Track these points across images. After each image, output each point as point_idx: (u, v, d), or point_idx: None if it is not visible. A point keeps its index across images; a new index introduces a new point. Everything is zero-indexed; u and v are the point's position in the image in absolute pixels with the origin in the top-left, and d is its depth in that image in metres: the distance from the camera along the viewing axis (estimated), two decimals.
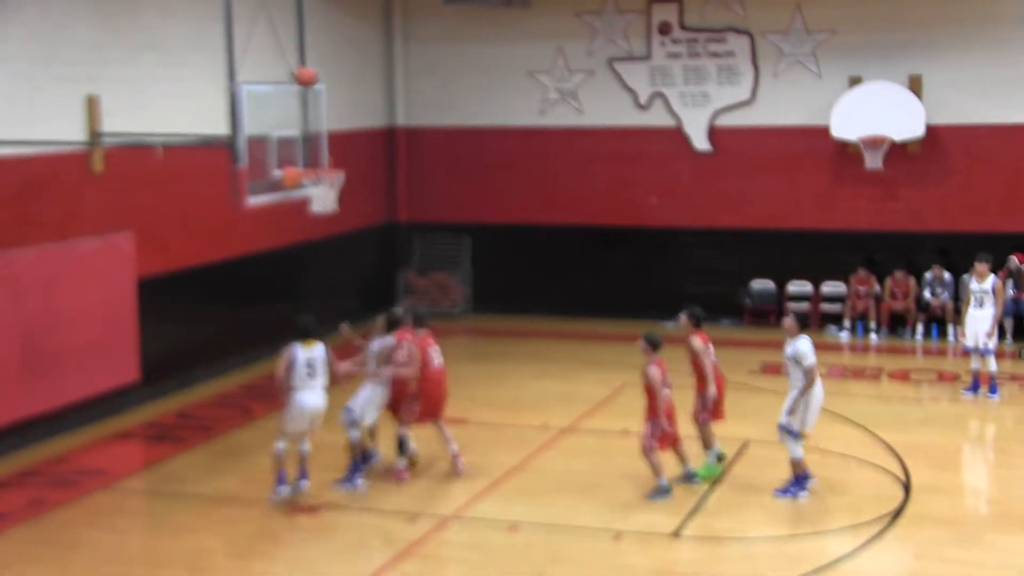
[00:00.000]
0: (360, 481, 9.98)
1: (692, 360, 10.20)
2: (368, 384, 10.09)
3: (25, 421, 11.36)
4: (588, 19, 17.27)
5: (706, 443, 10.38)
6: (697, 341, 10.12)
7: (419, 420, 10.32)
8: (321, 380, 9.69)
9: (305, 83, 10.62)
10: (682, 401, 10.13)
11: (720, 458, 10.43)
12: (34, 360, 11.38)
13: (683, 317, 10.29)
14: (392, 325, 10.20)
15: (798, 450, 9.76)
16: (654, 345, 9.82)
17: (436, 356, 10.31)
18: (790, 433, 9.70)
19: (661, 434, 9.77)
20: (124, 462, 11.39)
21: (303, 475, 9.83)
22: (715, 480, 10.17)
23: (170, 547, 9.01)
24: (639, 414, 12.36)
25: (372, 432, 10.45)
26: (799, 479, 9.79)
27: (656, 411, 9.75)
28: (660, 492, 9.80)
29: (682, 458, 10.11)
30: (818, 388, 9.79)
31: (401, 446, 10.30)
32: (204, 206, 13.56)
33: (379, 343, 10.10)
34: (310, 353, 9.62)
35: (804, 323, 10.17)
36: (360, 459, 10.08)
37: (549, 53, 17.43)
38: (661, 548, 8.86)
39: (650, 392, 9.75)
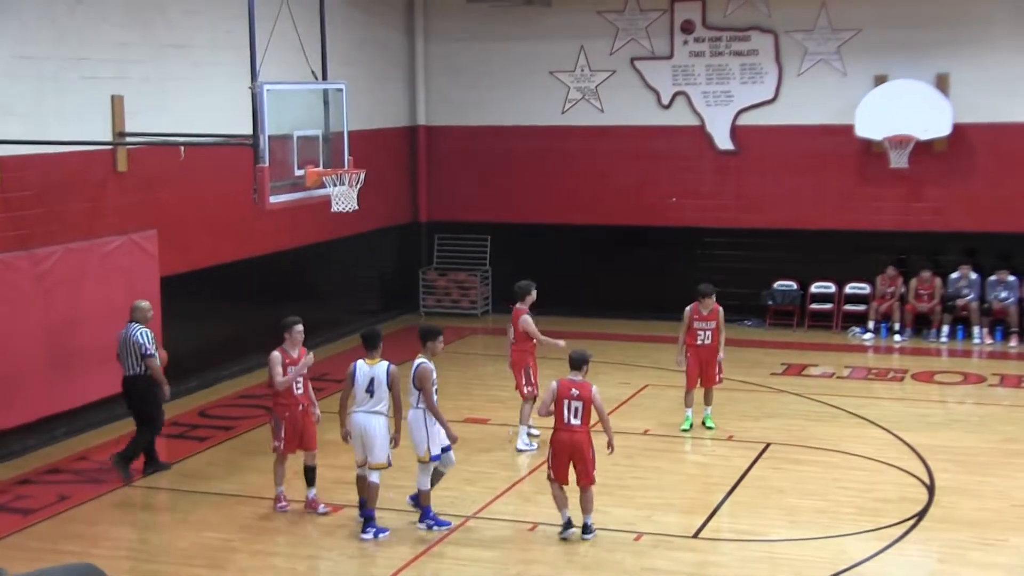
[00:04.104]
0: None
1: None
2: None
3: (50, 418, 11.46)
4: (610, 18, 17.22)
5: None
6: None
7: None
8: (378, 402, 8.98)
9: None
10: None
11: None
12: (59, 357, 11.47)
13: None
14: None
15: None
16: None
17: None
18: None
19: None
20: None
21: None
22: None
23: (193, 543, 9.06)
24: (659, 415, 12.35)
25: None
26: None
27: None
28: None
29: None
30: None
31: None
32: (226, 205, 13.62)
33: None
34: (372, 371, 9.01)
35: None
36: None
37: (571, 52, 17.40)
38: (681, 550, 8.82)
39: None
